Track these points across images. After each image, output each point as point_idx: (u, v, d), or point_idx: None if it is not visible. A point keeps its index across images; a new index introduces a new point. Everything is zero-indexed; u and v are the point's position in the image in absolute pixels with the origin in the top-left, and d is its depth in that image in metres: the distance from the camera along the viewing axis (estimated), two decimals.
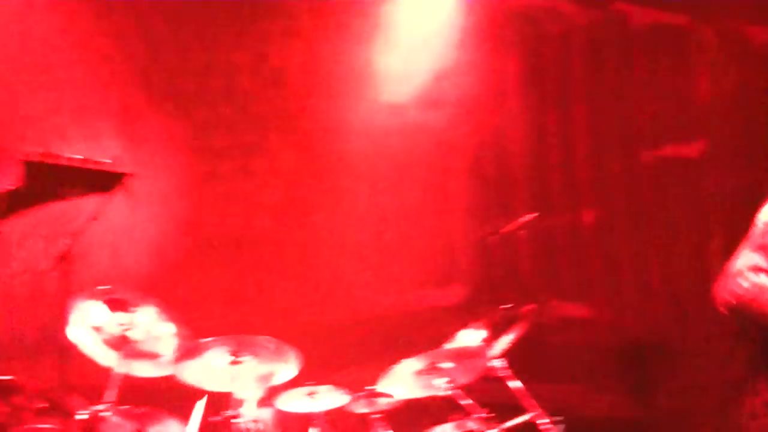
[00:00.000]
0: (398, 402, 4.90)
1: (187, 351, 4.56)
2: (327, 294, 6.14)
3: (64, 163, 2.43)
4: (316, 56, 6.92)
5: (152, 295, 4.61)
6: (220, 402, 4.78)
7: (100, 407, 4.41)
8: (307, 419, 4.95)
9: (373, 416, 4.86)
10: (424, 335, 5.16)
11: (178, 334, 4.59)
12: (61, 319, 4.44)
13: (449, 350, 4.82)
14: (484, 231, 5.81)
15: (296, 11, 7.09)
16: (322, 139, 6.74)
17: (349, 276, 6.53)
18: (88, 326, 4.61)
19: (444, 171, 6.86)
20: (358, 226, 6.68)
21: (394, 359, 4.71)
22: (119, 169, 2.29)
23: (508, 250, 6.36)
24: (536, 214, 5.31)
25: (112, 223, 5.13)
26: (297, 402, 4.82)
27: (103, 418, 4.37)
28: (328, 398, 4.81)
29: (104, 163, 2.45)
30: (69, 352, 4.69)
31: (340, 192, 6.63)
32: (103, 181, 2.31)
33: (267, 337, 4.72)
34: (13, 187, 2.38)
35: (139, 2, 7.05)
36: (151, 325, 4.57)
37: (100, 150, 5.75)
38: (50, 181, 2.37)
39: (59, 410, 4.49)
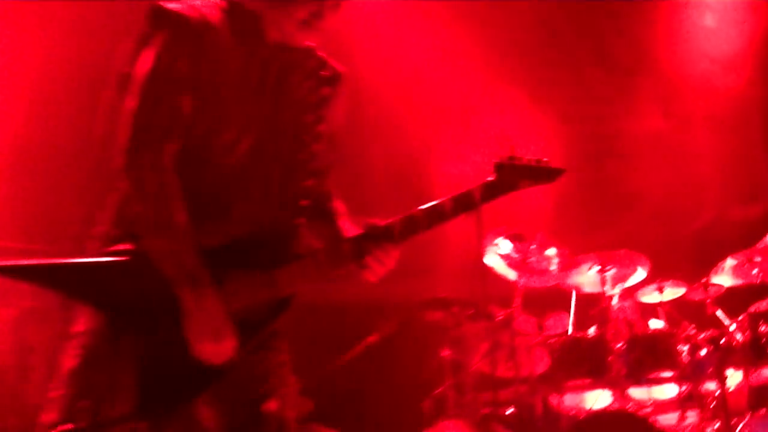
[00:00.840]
0: (725, 289, 6.42)
1: (567, 265, 6.40)
2: (666, 216, 7.63)
3: (524, 163, 3.80)
4: None
5: (539, 228, 6.44)
6: (594, 300, 6.54)
7: (510, 311, 6.24)
8: (656, 307, 6.64)
9: (707, 301, 6.34)
10: (739, 239, 6.51)
11: (559, 254, 6.41)
12: (481, 249, 6.11)
13: (760, 248, 6.19)
14: None
15: None
16: None
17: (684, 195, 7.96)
18: (497, 254, 6.50)
19: None
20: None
21: (719, 259, 6.28)
22: (557, 166, 3.66)
23: None
24: None
25: None
26: (649, 295, 6.54)
27: (514, 317, 6.22)
28: (671, 291, 6.46)
29: (548, 161, 3.81)
30: (487, 273, 6.39)
31: None
32: (547, 175, 3.70)
33: (624, 250, 6.40)
34: (489, 180, 3.81)
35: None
36: (540, 250, 6.40)
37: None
38: (512, 177, 3.75)
39: (483, 314, 6.31)
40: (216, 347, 3.03)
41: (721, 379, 5.94)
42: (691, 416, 6.15)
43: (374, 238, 3.24)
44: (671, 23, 8.41)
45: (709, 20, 8.37)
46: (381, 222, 3.26)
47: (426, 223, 3.29)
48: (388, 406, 6.91)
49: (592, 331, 6.36)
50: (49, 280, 3.16)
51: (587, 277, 6.55)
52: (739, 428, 5.81)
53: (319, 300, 6.92)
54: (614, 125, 8.37)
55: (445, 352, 6.50)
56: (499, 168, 3.33)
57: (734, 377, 6.13)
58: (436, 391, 6.55)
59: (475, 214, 4.91)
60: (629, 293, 6.72)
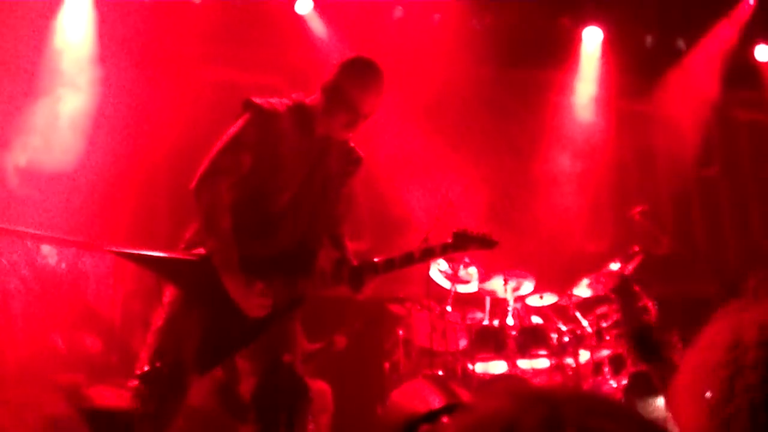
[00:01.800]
0: (582, 298, 8.04)
1: (482, 278, 8.03)
2: (547, 246, 9.37)
3: (474, 235, 4.51)
4: None
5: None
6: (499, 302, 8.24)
7: (444, 307, 7.71)
8: (536, 309, 8.25)
9: (570, 306, 8.02)
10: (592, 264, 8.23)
11: (478, 270, 8.13)
12: (427, 266, 7.76)
13: (604, 271, 8.03)
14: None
15: None
16: None
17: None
18: (438, 269, 7.97)
19: None
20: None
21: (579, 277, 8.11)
22: (494, 239, 4.77)
23: None
24: None
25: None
26: (533, 300, 8.19)
27: (446, 311, 7.78)
28: (548, 298, 8.19)
29: (489, 235, 4.76)
30: (430, 281, 7.80)
31: None
32: (488, 244, 4.83)
33: (519, 269, 7.98)
34: (447, 242, 4.67)
35: None
36: (465, 267, 8.13)
37: None
38: (464, 243, 4.69)
39: (426, 308, 7.70)
40: (248, 305, 4.02)
41: (576, 356, 7.70)
42: (556, 380, 7.65)
43: (364, 270, 4.36)
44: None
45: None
46: (371, 260, 4.36)
47: (400, 265, 4.42)
48: (361, 366, 8.50)
49: (496, 322, 8.00)
50: (151, 265, 4.20)
51: (496, 286, 8.15)
52: (585, 387, 7.41)
53: (321, 294, 9.00)
54: (524, 169, 10.18)
55: (400, 332, 8.02)
56: (456, 236, 4.55)
57: (584, 355, 7.74)
58: (393, 358, 8.09)
59: (424, 245, 6.98)
60: (521, 298, 8.23)
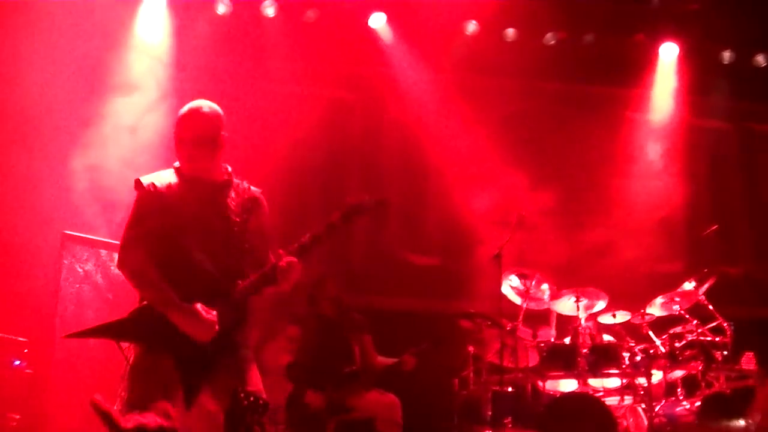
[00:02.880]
0: (655, 317, 8.07)
1: (554, 295, 8.18)
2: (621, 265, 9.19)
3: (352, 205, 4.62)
4: None
5: (538, 270, 8.21)
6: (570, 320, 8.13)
7: (515, 324, 7.81)
8: (609, 327, 8.21)
9: (643, 324, 7.98)
10: (666, 284, 8.22)
11: (550, 288, 8.25)
12: (499, 282, 8.03)
13: (679, 291, 8.02)
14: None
15: None
16: None
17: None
18: (510, 286, 8.24)
19: None
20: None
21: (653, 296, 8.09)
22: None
23: None
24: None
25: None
26: (606, 318, 8.15)
27: (517, 328, 7.80)
28: (621, 316, 8.11)
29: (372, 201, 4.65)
30: (502, 298, 8.03)
31: None
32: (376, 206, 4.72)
33: (592, 287, 7.99)
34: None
35: None
36: (537, 284, 8.26)
37: None
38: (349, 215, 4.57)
39: (497, 324, 7.77)
40: (197, 330, 4.37)
41: (648, 376, 7.57)
42: (628, 399, 7.67)
43: (284, 261, 4.49)
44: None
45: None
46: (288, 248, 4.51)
47: (311, 246, 4.54)
48: (431, 381, 8.44)
49: (567, 340, 7.98)
50: (106, 334, 4.61)
51: (567, 305, 8.13)
52: (657, 408, 7.36)
53: (394, 309, 9.05)
54: (597, 186, 10.10)
55: (470, 348, 8.05)
56: (349, 205, 4.64)
57: (656, 375, 7.66)
58: (462, 374, 8.14)
59: (496, 260, 6.97)
60: (593, 316, 8.20)
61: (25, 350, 7.62)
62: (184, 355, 4.43)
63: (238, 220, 4.70)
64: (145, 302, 4.58)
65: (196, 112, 4.76)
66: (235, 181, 4.85)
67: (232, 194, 4.77)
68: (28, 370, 7.66)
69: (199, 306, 4.45)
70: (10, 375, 7.49)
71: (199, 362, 4.43)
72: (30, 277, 7.95)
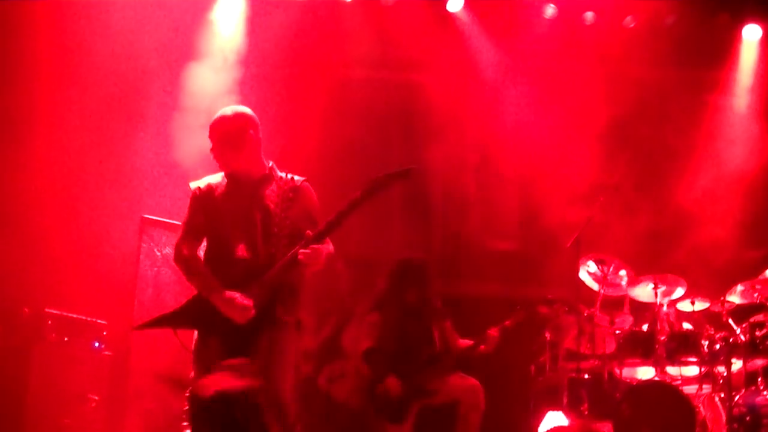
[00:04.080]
0: (735, 305, 7.94)
1: (632, 282, 8.16)
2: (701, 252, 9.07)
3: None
4: None
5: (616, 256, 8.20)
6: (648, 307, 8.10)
7: (592, 310, 7.89)
8: (689, 315, 8.17)
9: (723, 312, 7.89)
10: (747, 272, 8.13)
11: (628, 274, 8.22)
12: (577, 268, 8.02)
13: (760, 279, 7.91)
14: None
15: None
16: None
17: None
18: (587, 272, 8.25)
19: None
20: None
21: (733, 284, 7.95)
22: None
23: None
24: None
25: None
26: (684, 305, 8.10)
27: (594, 314, 7.89)
28: (700, 304, 8.04)
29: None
30: (580, 284, 8.06)
31: None
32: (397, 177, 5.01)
33: (671, 274, 7.95)
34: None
35: None
36: (615, 271, 8.22)
37: None
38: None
39: (575, 310, 7.87)
40: (235, 313, 4.91)
41: (728, 365, 7.50)
42: (706, 388, 7.63)
43: (306, 242, 4.94)
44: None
45: None
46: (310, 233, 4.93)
47: (337, 222, 4.95)
48: (508, 367, 8.60)
49: (645, 327, 7.94)
50: (166, 323, 5.11)
51: (645, 291, 8.10)
52: (737, 398, 7.28)
53: (472, 295, 9.08)
54: (680, 172, 9.96)
55: (547, 334, 8.11)
56: (372, 180, 4.97)
57: (737, 364, 7.57)
58: (539, 360, 8.24)
59: (574, 246, 6.96)
60: (672, 303, 8.13)
61: (104, 333, 7.83)
62: (228, 336, 4.96)
63: (277, 210, 5.17)
64: (195, 292, 5.14)
65: (220, 117, 5.35)
66: (278, 174, 5.35)
67: (273, 187, 5.27)
68: (107, 353, 7.85)
69: (236, 294, 4.96)
70: (90, 357, 7.69)
71: (240, 341, 4.95)
72: (109, 260, 8.14)
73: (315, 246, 4.95)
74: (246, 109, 5.37)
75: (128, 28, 8.64)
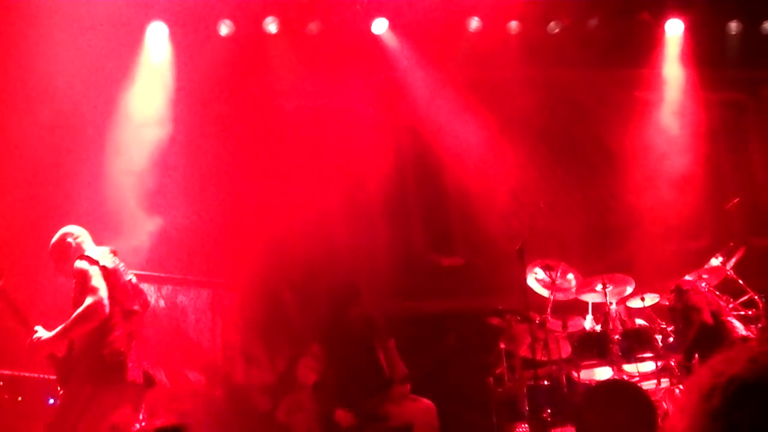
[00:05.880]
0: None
1: (581, 285, 8.31)
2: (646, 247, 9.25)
3: None
4: None
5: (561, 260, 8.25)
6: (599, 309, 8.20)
7: (544, 316, 7.90)
8: (640, 311, 8.32)
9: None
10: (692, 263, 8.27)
11: (576, 277, 8.30)
12: (524, 276, 8.02)
13: (706, 268, 8.02)
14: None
15: None
16: None
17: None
18: (535, 279, 8.35)
19: None
20: None
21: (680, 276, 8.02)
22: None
23: None
24: None
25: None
26: (635, 302, 8.30)
27: (547, 320, 7.85)
28: (649, 299, 8.24)
29: None
30: (528, 291, 8.06)
31: None
32: None
33: (618, 273, 8.12)
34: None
35: None
36: (563, 275, 8.30)
37: None
38: None
39: (526, 319, 7.87)
40: None
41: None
42: (665, 382, 7.71)
43: None
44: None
45: None
46: None
47: None
48: (464, 381, 8.59)
49: (598, 327, 8.08)
50: None
51: (594, 292, 8.21)
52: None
53: (422, 312, 9.08)
54: (615, 170, 10.12)
55: (502, 345, 8.12)
56: None
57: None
58: (497, 371, 8.21)
59: (519, 254, 7.01)
60: (622, 301, 8.32)
61: (59, 388, 7.58)
62: None
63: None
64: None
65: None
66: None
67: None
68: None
69: None
70: (46, 413, 7.28)
71: None
72: (58, 312, 7.90)
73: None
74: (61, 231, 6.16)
75: (61, 52, 8.52)
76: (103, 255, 6.09)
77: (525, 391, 7.77)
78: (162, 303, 7.94)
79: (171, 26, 9.36)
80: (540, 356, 7.88)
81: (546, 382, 7.90)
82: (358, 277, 8.06)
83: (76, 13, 8.32)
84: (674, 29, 10.65)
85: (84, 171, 8.57)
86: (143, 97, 9.04)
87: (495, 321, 8.17)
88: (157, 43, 9.43)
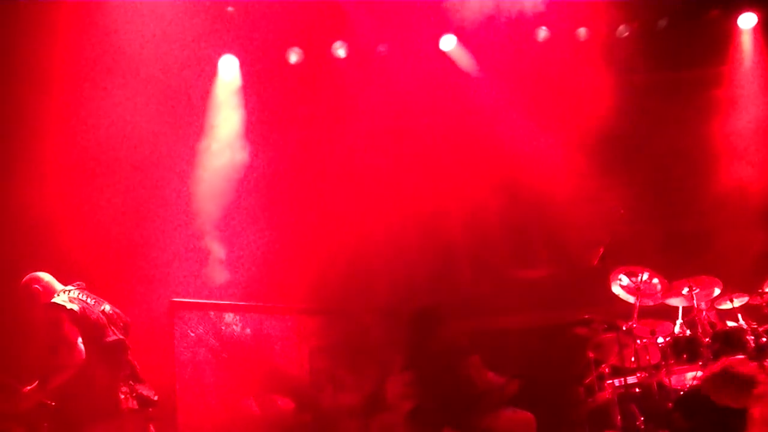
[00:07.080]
0: None
1: (668, 290, 8.18)
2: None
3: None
4: None
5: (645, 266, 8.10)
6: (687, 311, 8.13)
7: (631, 323, 7.88)
8: (729, 312, 8.19)
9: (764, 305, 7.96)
10: None
11: (661, 282, 8.15)
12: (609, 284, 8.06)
13: None
14: None
15: None
16: None
17: None
18: (620, 286, 8.24)
19: None
20: None
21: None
22: None
23: None
24: None
25: None
26: (724, 304, 8.21)
27: (634, 327, 7.80)
28: (738, 300, 8.09)
29: None
30: (614, 299, 8.13)
31: None
32: None
33: (704, 276, 8.00)
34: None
35: None
36: (648, 280, 8.15)
37: None
38: None
39: (613, 327, 7.95)
40: None
41: None
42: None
43: None
44: None
45: None
46: None
47: None
48: (555, 393, 8.51)
49: (687, 331, 7.95)
50: None
51: (681, 295, 8.13)
52: None
53: (507, 327, 9.06)
54: (695, 173, 9.98)
55: (590, 354, 8.13)
56: None
57: None
58: (587, 380, 8.25)
59: (602, 263, 6.96)
60: (710, 304, 8.22)
61: None
62: None
63: None
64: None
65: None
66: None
67: None
68: None
69: None
70: None
71: None
72: (145, 347, 8.09)
73: None
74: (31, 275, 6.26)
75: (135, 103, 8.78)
76: (70, 298, 6.15)
77: (616, 399, 7.71)
78: (248, 331, 8.02)
79: (241, 57, 9.54)
80: (629, 363, 7.85)
81: (637, 390, 7.80)
82: (439, 298, 8.13)
83: (150, 54, 8.66)
84: (747, 23, 10.44)
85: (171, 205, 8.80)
86: (220, 127, 9.28)
87: (581, 331, 8.15)
88: (229, 75, 9.62)
